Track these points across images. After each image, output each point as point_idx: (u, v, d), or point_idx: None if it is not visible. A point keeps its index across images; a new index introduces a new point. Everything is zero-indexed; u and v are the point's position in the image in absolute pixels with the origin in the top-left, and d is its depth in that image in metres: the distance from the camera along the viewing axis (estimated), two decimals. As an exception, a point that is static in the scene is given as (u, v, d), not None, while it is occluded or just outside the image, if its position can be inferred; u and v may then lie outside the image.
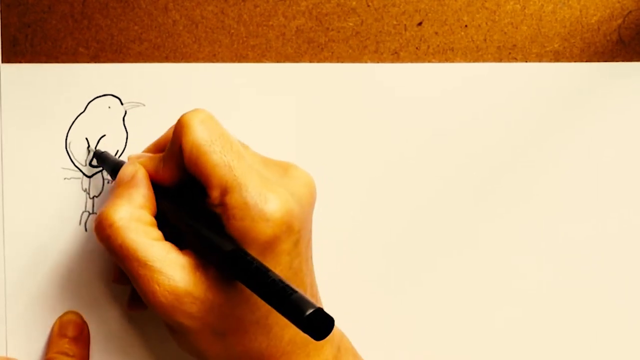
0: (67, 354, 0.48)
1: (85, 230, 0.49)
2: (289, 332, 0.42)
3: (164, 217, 0.43)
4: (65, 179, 0.49)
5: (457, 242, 0.50)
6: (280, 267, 0.40)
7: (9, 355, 0.49)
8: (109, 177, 0.49)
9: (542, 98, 0.49)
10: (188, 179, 0.43)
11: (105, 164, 0.47)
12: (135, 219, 0.41)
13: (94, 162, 0.49)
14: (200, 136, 0.41)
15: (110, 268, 0.49)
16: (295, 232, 0.41)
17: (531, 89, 0.49)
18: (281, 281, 0.37)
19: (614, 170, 0.50)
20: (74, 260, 0.49)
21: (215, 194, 0.41)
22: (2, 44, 0.49)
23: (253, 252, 0.40)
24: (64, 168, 0.49)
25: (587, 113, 0.50)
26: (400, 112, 0.49)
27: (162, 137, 0.47)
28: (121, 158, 0.49)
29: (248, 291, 0.39)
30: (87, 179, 0.49)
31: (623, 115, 0.50)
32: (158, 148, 0.47)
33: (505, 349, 0.50)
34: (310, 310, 0.35)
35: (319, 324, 0.35)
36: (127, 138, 0.49)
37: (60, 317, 0.49)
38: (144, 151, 0.47)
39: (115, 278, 0.47)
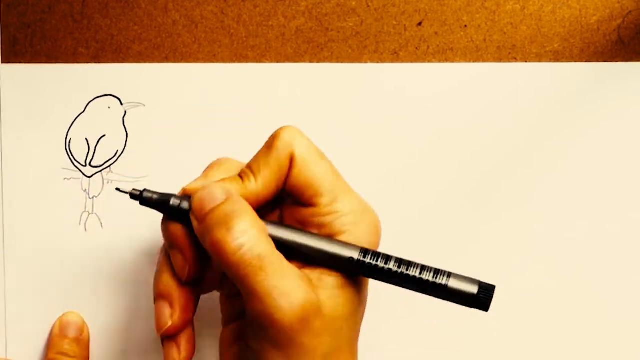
0: (67, 355, 0.48)
1: (85, 230, 0.49)
2: (357, 353, 0.42)
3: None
4: (65, 179, 0.49)
5: (457, 242, 0.50)
6: None
7: (8, 356, 0.49)
8: (108, 177, 0.49)
9: (541, 98, 0.49)
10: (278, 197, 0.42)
11: (151, 202, 0.42)
12: (262, 231, 0.39)
13: (94, 163, 0.49)
14: (310, 145, 0.42)
15: (109, 268, 0.49)
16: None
17: (531, 89, 0.49)
18: (429, 267, 0.39)
19: (614, 170, 0.50)
20: (74, 260, 0.49)
21: (326, 200, 0.41)
22: (2, 44, 0.49)
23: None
24: (63, 168, 0.49)
25: (586, 113, 0.50)
26: (400, 112, 0.49)
27: (208, 171, 0.43)
28: (121, 159, 0.49)
29: (352, 306, 0.40)
30: (87, 179, 0.49)
31: (623, 115, 0.50)
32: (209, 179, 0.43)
33: (506, 349, 0.50)
34: (476, 289, 0.38)
35: (485, 298, 0.38)
36: (126, 138, 0.49)
37: (61, 318, 0.49)
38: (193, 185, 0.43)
39: (164, 327, 0.42)
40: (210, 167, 0.43)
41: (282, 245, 0.40)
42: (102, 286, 0.49)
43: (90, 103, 0.49)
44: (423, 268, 0.39)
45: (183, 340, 0.42)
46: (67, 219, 0.49)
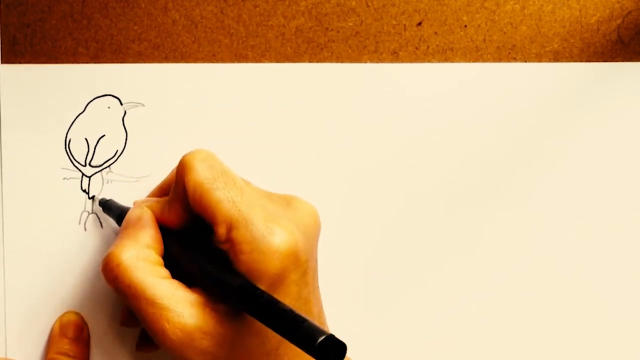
0: (67, 355, 0.48)
1: (85, 230, 0.49)
2: (305, 358, 0.42)
3: (171, 258, 0.43)
4: (64, 179, 0.49)
5: (457, 243, 0.50)
6: (289, 298, 0.41)
7: (8, 356, 0.49)
8: (108, 177, 0.49)
9: (541, 98, 0.49)
10: (194, 219, 0.43)
11: (111, 211, 0.48)
12: (142, 259, 0.42)
13: (94, 162, 0.49)
14: (202, 174, 0.42)
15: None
16: (303, 262, 0.41)
17: (531, 89, 0.49)
18: (291, 311, 0.37)
19: (614, 170, 0.50)
20: (74, 260, 0.49)
21: (221, 230, 0.41)
22: (2, 44, 0.49)
23: (262, 285, 0.40)
24: (63, 168, 0.49)
25: (586, 113, 0.50)
26: (400, 112, 0.49)
27: (165, 180, 0.47)
28: (120, 159, 0.49)
29: (258, 323, 0.40)
30: (87, 179, 0.49)
31: (623, 115, 0.50)
32: (162, 191, 0.47)
33: (506, 349, 0.50)
34: (322, 338, 0.36)
35: (331, 351, 0.36)
36: (126, 138, 0.49)
37: (61, 317, 0.49)
38: (149, 195, 0.48)
39: (122, 320, 0.47)
40: (171, 173, 0.47)
41: (183, 267, 0.43)
42: (102, 286, 0.49)
43: (90, 103, 0.49)
44: (284, 312, 0.38)
45: None
46: (67, 219, 0.49)
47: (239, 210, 0.41)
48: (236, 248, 0.41)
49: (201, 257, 0.42)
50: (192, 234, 0.44)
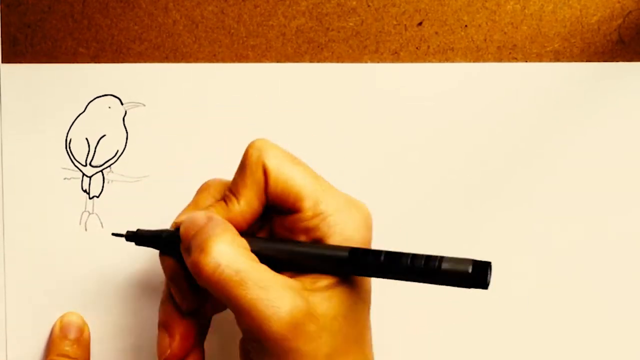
0: (68, 356, 0.48)
1: (85, 230, 0.49)
2: (371, 353, 0.42)
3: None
4: (65, 179, 0.49)
5: (457, 242, 0.50)
6: None
7: (8, 358, 0.49)
8: (109, 177, 0.49)
9: (542, 98, 0.50)
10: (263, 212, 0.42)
11: (146, 239, 0.44)
12: (241, 245, 0.40)
13: (94, 162, 0.49)
14: (282, 154, 0.42)
15: (110, 268, 0.48)
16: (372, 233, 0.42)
17: (531, 89, 0.49)
18: (419, 255, 0.37)
19: (614, 170, 0.50)
20: (74, 260, 0.49)
21: (308, 204, 0.40)
22: (2, 44, 0.49)
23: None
24: (64, 168, 0.49)
25: (587, 113, 0.50)
26: (401, 112, 0.49)
27: (197, 197, 0.44)
28: (121, 159, 0.49)
29: (350, 303, 0.40)
30: (87, 179, 0.49)
31: (623, 115, 0.50)
32: (199, 207, 0.44)
33: (506, 349, 0.50)
34: (471, 267, 0.36)
35: (482, 273, 0.36)
36: (127, 138, 0.49)
37: (61, 318, 0.49)
38: (182, 214, 0.44)
39: (164, 356, 0.43)
40: (198, 192, 0.44)
41: (271, 259, 0.40)
42: (102, 286, 0.49)
43: (91, 103, 0.49)
44: (414, 257, 0.38)
45: None
46: (67, 219, 0.49)
47: (321, 185, 0.41)
48: (329, 219, 0.40)
49: (287, 243, 0.41)
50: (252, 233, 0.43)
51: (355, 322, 0.41)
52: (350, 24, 0.49)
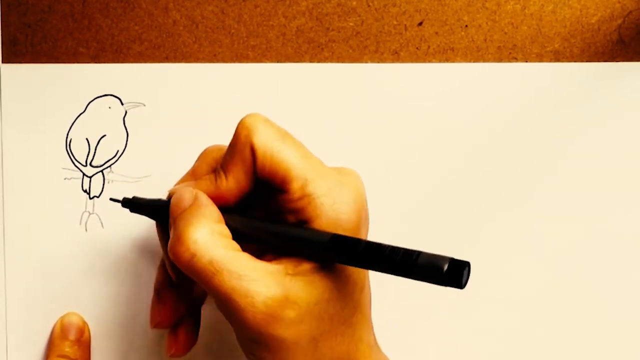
0: (68, 357, 0.48)
1: (86, 230, 0.49)
2: (366, 333, 0.41)
3: (233, 233, 0.41)
4: (65, 179, 0.49)
5: (457, 243, 0.50)
6: None
7: (9, 359, 0.49)
8: (109, 177, 0.49)
9: (542, 98, 0.50)
10: (252, 191, 0.42)
11: (141, 207, 0.45)
12: (217, 233, 0.40)
13: (95, 162, 0.49)
14: (270, 132, 0.41)
15: (110, 269, 0.48)
16: (367, 219, 0.41)
17: (531, 89, 0.49)
18: (398, 248, 0.36)
19: (614, 170, 0.50)
20: (74, 260, 0.49)
21: (296, 185, 0.40)
22: (2, 44, 0.48)
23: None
24: (64, 168, 0.49)
25: (587, 113, 0.50)
26: (401, 112, 0.49)
27: (196, 165, 0.45)
28: (121, 159, 0.49)
29: (335, 287, 0.39)
30: (87, 179, 0.49)
31: (623, 115, 0.50)
32: (196, 177, 0.44)
33: (506, 348, 0.50)
34: (447, 264, 0.35)
35: (458, 273, 0.35)
36: (127, 138, 0.49)
37: (61, 319, 0.49)
38: (179, 182, 0.45)
39: (155, 322, 0.45)
40: (198, 159, 0.44)
41: (253, 239, 0.40)
42: (102, 286, 0.49)
43: (91, 103, 0.49)
44: (393, 249, 0.37)
45: (181, 332, 0.44)
46: (67, 219, 0.49)
47: (311, 165, 0.40)
48: (317, 201, 0.40)
49: (271, 224, 0.41)
50: (244, 207, 0.42)
51: (344, 305, 0.40)
52: (351, 24, 0.49)
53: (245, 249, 0.40)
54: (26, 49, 0.49)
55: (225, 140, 0.49)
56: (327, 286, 0.40)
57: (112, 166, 0.49)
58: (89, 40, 0.49)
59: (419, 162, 0.50)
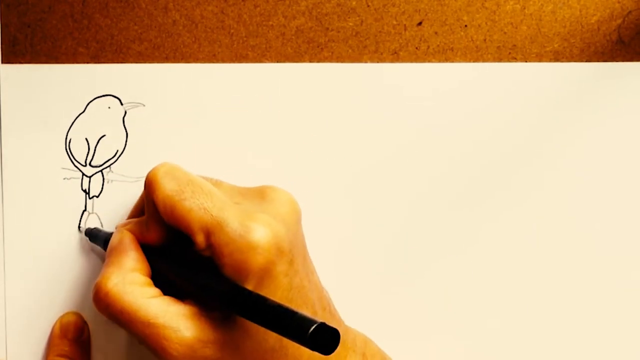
0: (67, 356, 0.48)
1: (79, 229, 0.49)
2: (306, 349, 0.42)
3: (160, 275, 0.43)
4: (65, 179, 0.49)
5: (457, 243, 0.50)
6: (280, 290, 0.41)
7: (9, 358, 0.49)
8: (109, 177, 0.49)
9: (542, 98, 0.49)
10: (175, 233, 0.43)
11: (97, 239, 0.48)
12: (128, 283, 0.42)
13: (94, 162, 0.49)
14: (168, 188, 0.42)
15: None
16: (287, 252, 0.41)
17: (531, 89, 0.49)
18: (280, 306, 0.37)
19: (614, 170, 0.50)
20: (74, 261, 0.49)
21: (199, 238, 0.41)
22: (2, 44, 0.49)
23: (251, 283, 0.40)
24: (63, 168, 0.49)
25: (586, 113, 0.50)
26: (400, 112, 0.49)
27: (139, 200, 0.48)
28: (121, 159, 0.49)
29: (251, 324, 0.40)
30: (87, 178, 0.49)
31: (623, 116, 0.50)
32: (139, 211, 0.47)
33: (506, 347, 0.50)
34: (313, 327, 0.35)
35: (325, 339, 0.36)
36: (127, 138, 0.49)
37: (61, 318, 0.49)
38: (128, 217, 0.48)
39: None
40: (140, 198, 0.48)
41: (171, 282, 0.43)
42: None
43: (90, 103, 0.49)
44: (273, 308, 0.38)
45: None
46: (67, 219, 0.49)
47: (212, 215, 0.41)
48: (218, 252, 0.41)
49: (187, 269, 0.42)
50: (176, 247, 0.44)
51: (267, 335, 0.41)
52: (350, 24, 0.49)
53: (173, 290, 0.42)
54: (26, 49, 0.49)
55: (225, 141, 0.49)
56: (242, 323, 0.41)
57: (111, 166, 0.49)
58: (89, 40, 0.49)
59: (419, 162, 0.50)
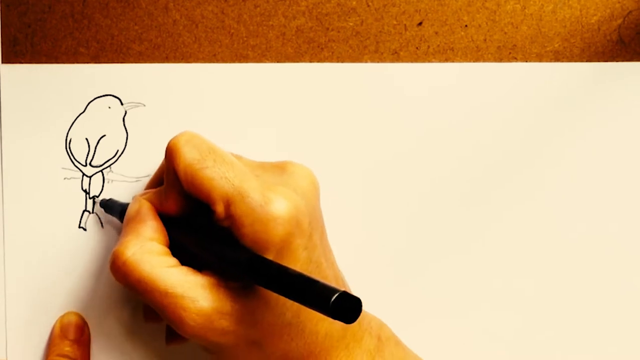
0: (68, 357, 0.48)
1: (85, 230, 0.49)
2: (323, 326, 0.42)
3: (178, 245, 0.43)
4: (65, 178, 0.49)
5: (457, 243, 0.50)
6: (299, 262, 0.40)
7: (9, 358, 0.49)
8: (109, 177, 0.49)
9: (542, 98, 0.50)
10: (194, 203, 0.43)
11: (113, 210, 0.47)
12: (147, 252, 0.41)
13: (94, 162, 0.49)
14: (190, 156, 0.42)
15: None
16: (307, 225, 0.41)
17: (531, 89, 0.49)
18: (301, 275, 0.37)
19: (614, 170, 0.50)
20: (74, 260, 0.49)
21: (219, 208, 0.41)
22: (2, 44, 0.49)
23: (270, 255, 0.40)
24: (64, 168, 0.49)
25: (587, 113, 0.50)
26: (401, 112, 0.49)
27: (157, 170, 0.47)
28: (121, 159, 0.49)
29: (273, 295, 0.40)
30: (87, 178, 0.49)
31: (623, 116, 0.50)
32: (157, 182, 0.47)
33: (507, 346, 0.50)
34: (335, 295, 0.35)
35: (347, 308, 0.35)
36: (127, 138, 0.49)
37: (61, 318, 0.49)
38: (146, 188, 0.48)
39: (146, 317, 0.47)
40: (162, 162, 0.47)
41: (190, 252, 0.43)
42: (102, 286, 0.49)
43: (91, 103, 0.49)
44: (296, 276, 0.38)
45: None
46: (67, 219, 0.49)
47: (233, 185, 0.41)
48: (237, 223, 0.40)
49: (206, 239, 0.42)
50: (195, 218, 0.43)
51: (283, 309, 0.41)
52: (350, 24, 0.49)
53: (191, 261, 0.42)
54: (26, 49, 0.49)
55: (224, 141, 0.49)
56: (260, 295, 0.40)
57: (111, 166, 0.49)
58: (89, 40, 0.49)
59: (419, 162, 0.50)
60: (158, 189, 0.45)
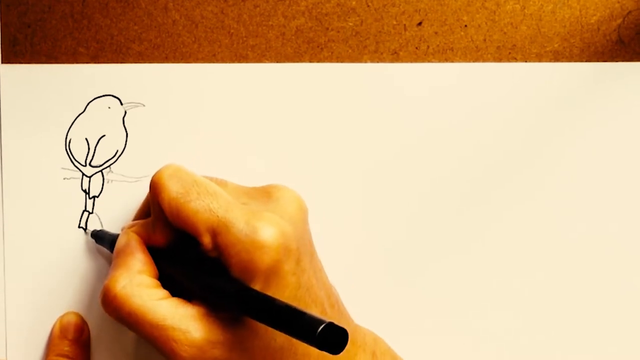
0: (67, 356, 0.48)
1: (85, 230, 0.49)
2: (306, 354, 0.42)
3: (167, 277, 0.44)
4: (65, 179, 0.49)
5: (457, 243, 0.50)
6: (289, 288, 0.41)
7: (8, 358, 0.49)
8: (109, 177, 0.49)
9: (541, 98, 0.49)
10: (181, 234, 0.43)
11: (104, 241, 0.48)
12: (136, 285, 0.42)
13: (94, 162, 0.49)
14: (174, 190, 0.42)
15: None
16: (294, 250, 0.41)
17: (531, 89, 0.49)
18: (288, 306, 0.38)
19: (614, 170, 0.50)
20: (74, 261, 0.49)
21: (206, 240, 0.41)
22: (2, 44, 0.49)
23: (258, 283, 0.40)
24: (63, 168, 0.49)
25: (586, 113, 0.50)
26: (400, 112, 0.49)
27: (144, 200, 0.48)
28: (121, 159, 0.49)
29: (259, 324, 0.40)
30: (87, 178, 0.49)
31: (623, 116, 0.50)
32: (145, 212, 0.47)
33: (507, 347, 0.50)
34: (321, 327, 0.35)
35: (333, 338, 0.36)
36: (126, 138, 0.49)
37: (61, 318, 0.49)
38: (134, 218, 0.48)
39: None
40: (147, 195, 0.47)
41: (179, 283, 0.43)
42: (102, 286, 0.49)
43: (90, 103, 0.49)
44: (283, 309, 0.38)
45: None
46: (67, 219, 0.49)
47: (217, 216, 0.41)
48: (225, 253, 0.41)
49: (194, 270, 0.43)
50: (183, 249, 0.44)
51: (276, 335, 0.41)
52: (350, 24, 0.49)
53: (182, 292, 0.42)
54: (26, 49, 0.49)
55: (225, 141, 0.49)
56: (250, 323, 0.41)
57: (111, 166, 0.49)
58: (89, 40, 0.49)
59: (419, 162, 0.50)
60: (146, 220, 0.45)
